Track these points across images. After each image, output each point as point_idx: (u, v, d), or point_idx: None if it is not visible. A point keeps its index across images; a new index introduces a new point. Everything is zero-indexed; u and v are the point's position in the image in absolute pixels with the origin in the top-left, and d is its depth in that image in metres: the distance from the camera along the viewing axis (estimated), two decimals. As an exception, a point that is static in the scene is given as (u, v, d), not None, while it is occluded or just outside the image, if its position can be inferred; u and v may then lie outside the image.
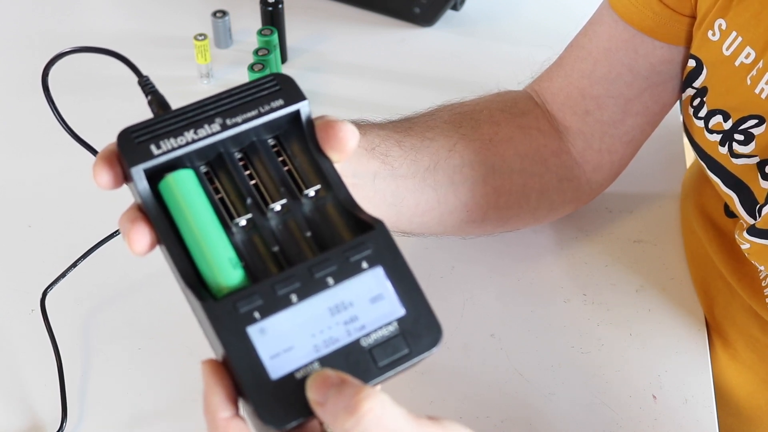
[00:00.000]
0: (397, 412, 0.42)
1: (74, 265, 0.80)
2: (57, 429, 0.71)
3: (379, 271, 0.46)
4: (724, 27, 0.70)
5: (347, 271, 0.46)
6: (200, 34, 0.98)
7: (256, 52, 0.96)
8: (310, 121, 0.50)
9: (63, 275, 0.79)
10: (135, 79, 0.54)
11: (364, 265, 0.46)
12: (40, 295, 0.79)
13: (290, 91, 0.49)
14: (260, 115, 0.48)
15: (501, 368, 0.76)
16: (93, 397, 0.74)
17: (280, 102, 0.49)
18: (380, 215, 0.67)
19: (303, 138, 0.50)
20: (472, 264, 0.83)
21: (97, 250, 0.80)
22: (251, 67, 0.94)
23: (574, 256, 0.84)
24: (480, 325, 0.79)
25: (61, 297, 0.79)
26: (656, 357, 0.77)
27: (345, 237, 0.48)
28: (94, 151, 0.66)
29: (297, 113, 0.49)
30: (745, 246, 0.70)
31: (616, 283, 0.82)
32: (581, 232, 0.86)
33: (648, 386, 0.75)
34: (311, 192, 0.49)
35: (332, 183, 0.49)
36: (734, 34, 0.69)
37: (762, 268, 0.72)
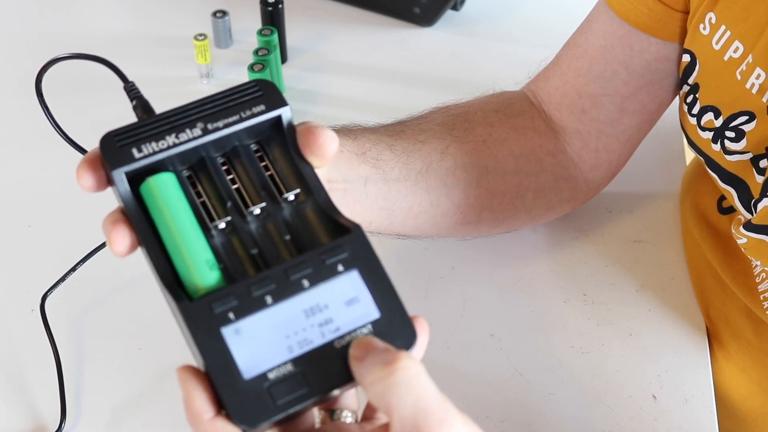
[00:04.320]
0: (430, 382, 0.43)
1: (74, 269, 0.80)
2: (56, 429, 0.72)
3: (354, 274, 0.46)
4: (713, 21, 0.70)
5: (323, 273, 0.46)
6: (200, 34, 0.98)
7: (256, 52, 0.96)
8: (292, 127, 0.50)
9: (63, 279, 0.79)
10: (137, 80, 0.54)
11: (340, 268, 0.46)
12: (40, 296, 0.79)
13: (272, 97, 0.50)
14: (241, 120, 0.49)
15: (501, 368, 0.76)
16: (92, 397, 0.74)
17: (262, 107, 0.49)
18: (372, 219, 0.68)
19: (284, 143, 0.50)
20: (472, 264, 0.83)
21: (97, 252, 0.80)
22: (251, 67, 0.94)
23: (573, 256, 0.84)
24: (480, 325, 0.79)
25: (61, 298, 0.79)
26: (656, 357, 0.77)
27: (323, 240, 0.48)
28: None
29: (278, 119, 0.50)
30: (741, 241, 0.70)
31: (616, 283, 0.82)
32: (581, 232, 0.86)
33: (648, 386, 0.75)
34: (291, 196, 0.49)
35: (312, 187, 0.49)
36: (723, 27, 0.69)
37: (758, 263, 0.72)
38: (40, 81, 0.58)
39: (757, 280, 0.75)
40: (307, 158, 0.50)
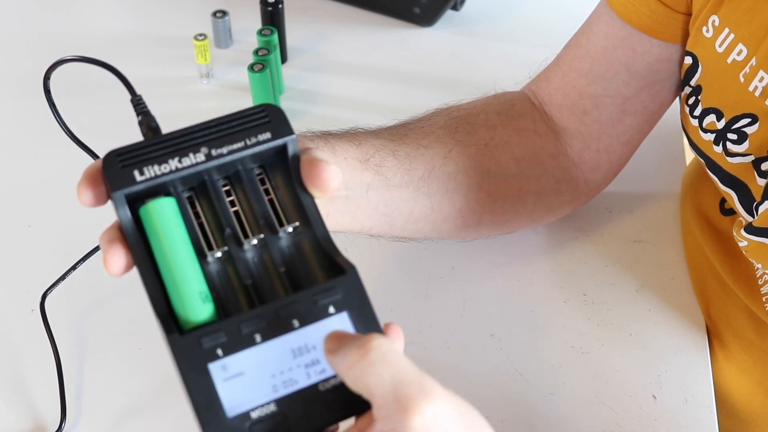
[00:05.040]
0: (404, 358, 0.43)
1: (74, 267, 0.80)
2: (56, 429, 0.72)
3: (344, 317, 0.46)
4: (717, 23, 0.70)
5: (313, 314, 0.46)
6: (200, 34, 0.98)
7: (256, 52, 0.96)
8: (296, 157, 0.50)
9: (63, 278, 0.79)
10: (137, 80, 0.54)
11: (331, 309, 0.46)
12: (40, 296, 0.78)
13: (279, 124, 0.49)
14: (246, 147, 0.48)
15: (501, 368, 0.76)
16: (92, 397, 0.74)
17: (267, 135, 0.49)
18: (373, 224, 0.69)
19: (288, 171, 0.50)
20: (472, 264, 0.83)
21: (97, 251, 0.80)
22: (251, 67, 0.94)
23: (573, 256, 0.84)
24: (480, 325, 0.79)
25: (61, 297, 0.79)
26: (656, 357, 0.77)
27: (318, 276, 0.48)
28: (93, 154, 0.67)
29: (284, 147, 0.50)
30: (742, 243, 0.70)
31: (616, 283, 0.82)
32: (581, 232, 0.86)
33: (648, 386, 0.75)
34: (290, 228, 0.49)
35: (312, 221, 0.49)
36: (727, 30, 0.69)
37: (759, 265, 0.72)
38: (48, 80, 0.57)
39: (759, 282, 0.75)
40: (308, 190, 0.50)
